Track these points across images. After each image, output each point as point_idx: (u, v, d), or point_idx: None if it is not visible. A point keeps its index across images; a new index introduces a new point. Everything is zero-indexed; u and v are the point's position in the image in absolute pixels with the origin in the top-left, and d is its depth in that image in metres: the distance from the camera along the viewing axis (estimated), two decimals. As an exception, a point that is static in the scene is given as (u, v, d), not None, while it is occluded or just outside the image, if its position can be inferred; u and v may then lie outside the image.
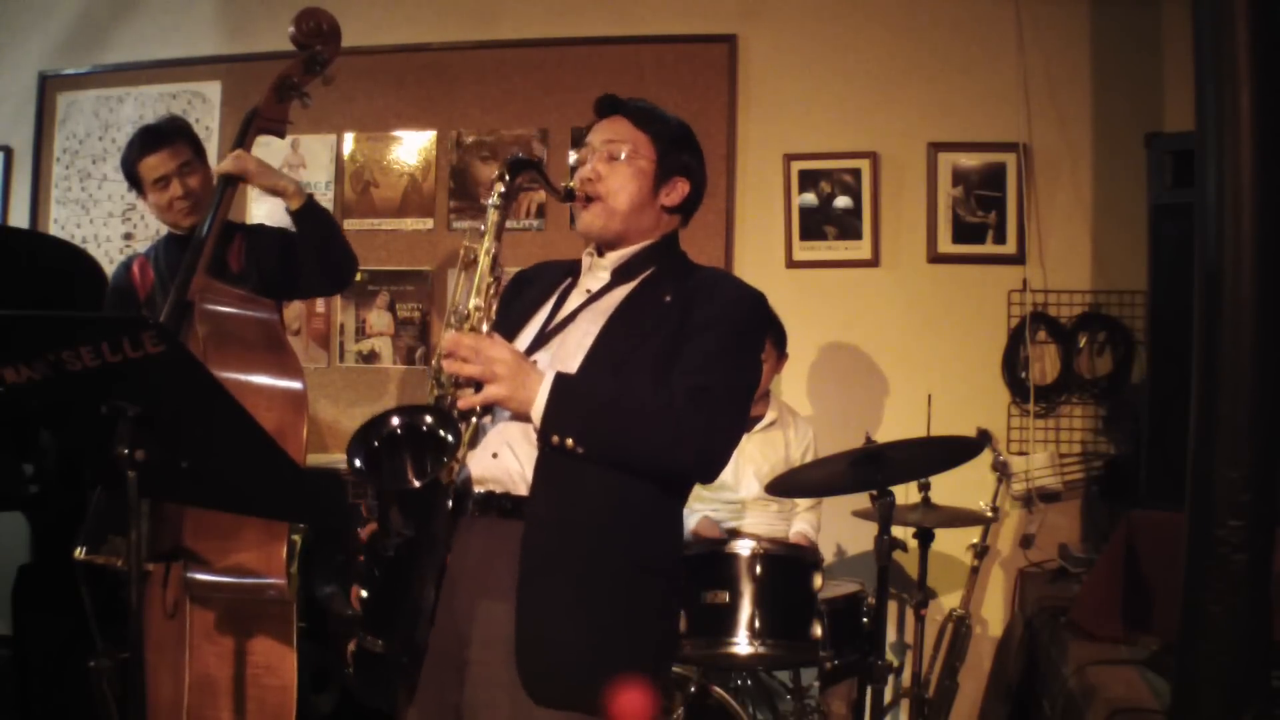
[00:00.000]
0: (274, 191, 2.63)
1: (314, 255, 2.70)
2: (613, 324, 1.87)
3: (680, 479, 1.90)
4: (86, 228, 4.42)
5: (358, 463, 1.72)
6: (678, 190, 1.99)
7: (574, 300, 1.97)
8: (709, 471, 1.87)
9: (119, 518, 1.94)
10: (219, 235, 2.58)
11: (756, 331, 1.97)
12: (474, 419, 1.78)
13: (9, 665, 3.53)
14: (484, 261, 1.84)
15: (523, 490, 1.78)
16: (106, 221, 4.42)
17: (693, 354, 1.82)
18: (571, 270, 2.04)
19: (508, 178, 1.87)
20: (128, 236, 4.38)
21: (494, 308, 1.84)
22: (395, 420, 1.76)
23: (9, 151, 4.52)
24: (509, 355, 1.76)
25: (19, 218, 4.48)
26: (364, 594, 1.79)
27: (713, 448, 1.83)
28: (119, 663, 2.14)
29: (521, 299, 2.03)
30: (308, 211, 2.65)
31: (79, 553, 2.37)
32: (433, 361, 1.82)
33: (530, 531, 1.76)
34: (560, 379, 1.76)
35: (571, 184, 1.95)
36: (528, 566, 1.75)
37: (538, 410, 1.74)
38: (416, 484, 1.74)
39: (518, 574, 1.75)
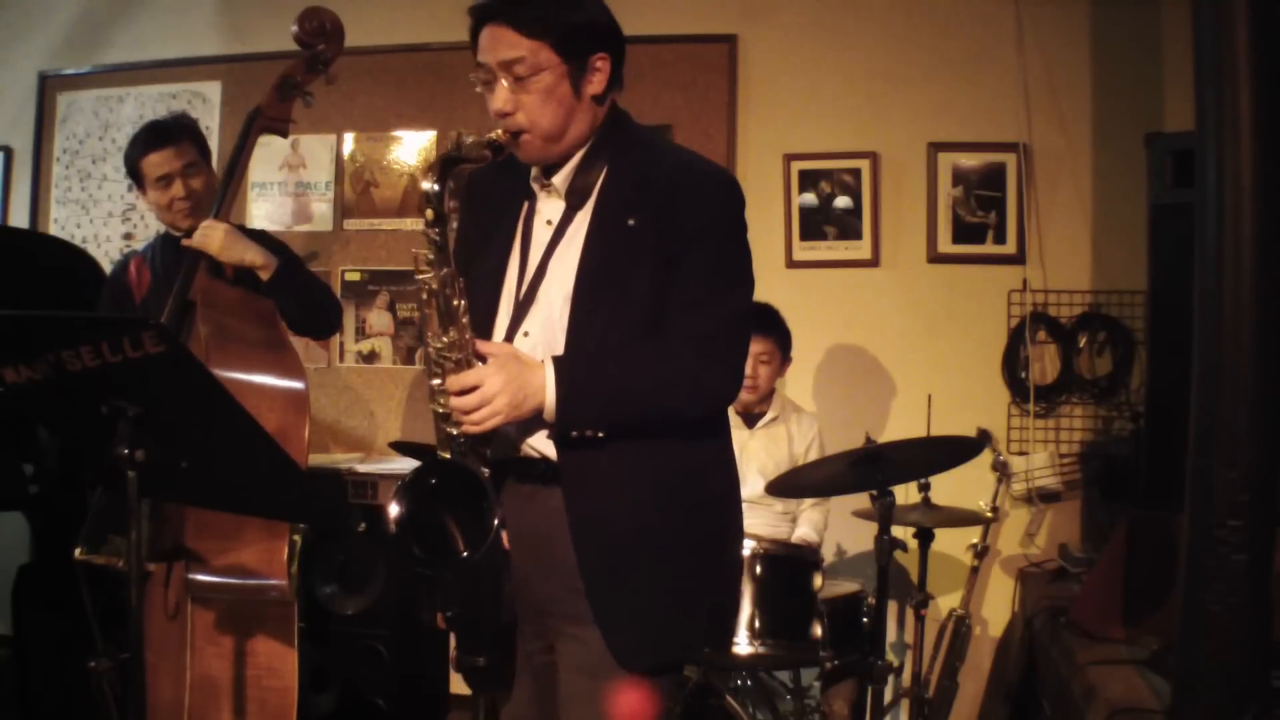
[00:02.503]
0: (240, 265, 2.56)
1: (294, 315, 2.67)
2: (585, 275, 1.77)
3: (704, 419, 1.88)
4: (86, 228, 4.42)
5: (419, 554, 1.71)
6: (600, 72, 1.79)
7: (539, 237, 1.85)
8: (730, 403, 1.91)
9: (119, 518, 1.94)
10: None
11: (735, 224, 1.83)
12: (491, 440, 1.80)
13: (9, 665, 3.53)
14: (443, 292, 1.74)
15: (552, 458, 1.80)
16: (106, 221, 4.41)
17: (682, 291, 1.76)
18: (524, 188, 1.89)
19: (436, 187, 1.72)
20: (128, 236, 4.38)
21: (469, 332, 1.76)
22: (424, 491, 1.74)
23: (9, 151, 4.51)
24: (499, 375, 1.70)
25: (19, 218, 4.48)
26: (450, 620, 1.82)
27: (730, 384, 1.84)
28: (119, 663, 2.14)
29: (480, 224, 1.91)
30: (280, 281, 2.60)
31: (79, 553, 2.37)
32: (435, 389, 1.78)
33: (574, 508, 1.77)
34: (563, 373, 1.71)
35: (492, 135, 1.76)
36: (585, 546, 1.76)
37: (550, 410, 1.72)
38: (466, 555, 1.71)
39: (569, 540, 1.77)
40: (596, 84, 1.80)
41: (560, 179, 1.84)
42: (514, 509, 1.80)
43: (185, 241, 2.58)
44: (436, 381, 1.76)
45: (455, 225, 1.85)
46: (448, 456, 1.79)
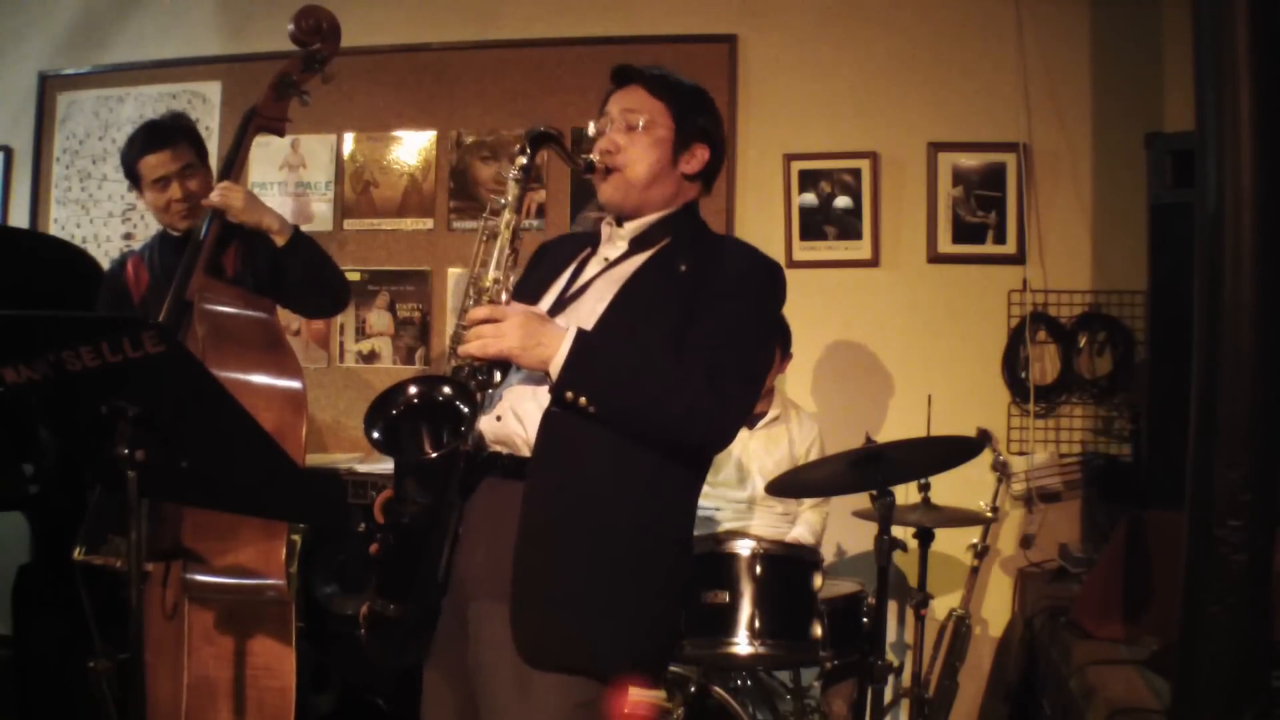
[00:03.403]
0: (258, 227, 2.57)
1: (301, 287, 2.66)
2: (626, 292, 1.88)
3: (687, 451, 1.89)
4: (86, 228, 4.42)
5: (376, 435, 1.72)
6: (697, 157, 1.98)
7: (592, 269, 1.98)
8: (716, 448, 1.94)
9: (118, 518, 1.94)
10: (218, 237, 2.57)
11: (771, 303, 1.97)
12: (492, 383, 1.80)
13: (9, 665, 3.53)
14: (504, 234, 1.85)
15: (525, 452, 1.81)
16: (106, 221, 4.41)
17: (708, 328, 1.83)
18: (593, 241, 2.04)
19: (529, 151, 1.88)
20: (128, 236, 4.38)
21: (511, 280, 1.86)
22: (412, 390, 1.76)
23: (9, 151, 4.52)
24: (519, 315, 1.77)
25: (19, 218, 4.48)
26: (379, 559, 1.79)
27: (724, 426, 1.85)
28: (118, 663, 2.13)
29: (541, 269, 2.06)
30: (293, 247, 2.60)
31: (78, 553, 2.36)
32: (451, 331, 1.87)
33: (532, 492, 1.77)
34: (582, 336, 1.76)
35: (591, 156, 1.93)
36: (527, 527, 1.76)
37: (557, 365, 1.74)
38: (433, 455, 1.75)
39: (517, 535, 1.76)
40: (691, 165, 1.98)
41: (631, 227, 1.97)
42: (475, 499, 1.83)
43: (205, 201, 2.58)
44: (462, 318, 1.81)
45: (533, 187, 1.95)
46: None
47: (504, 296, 1.83)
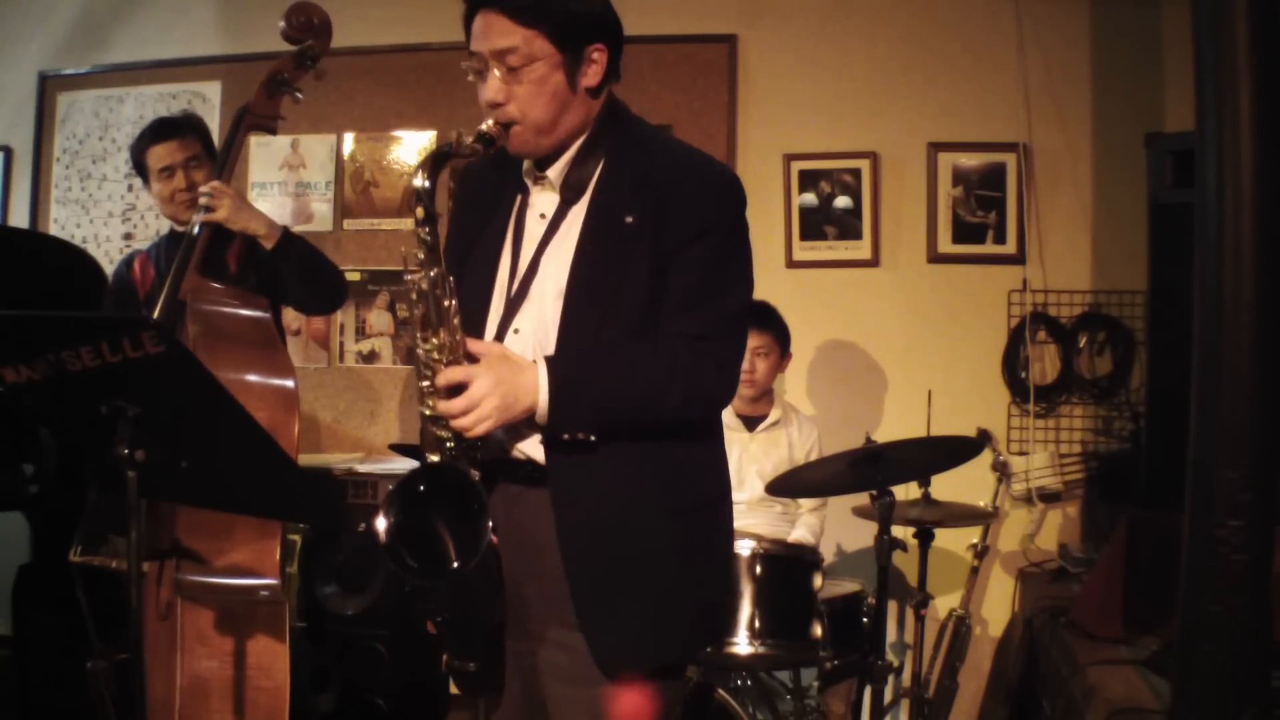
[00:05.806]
0: (245, 231, 2.57)
1: (298, 287, 2.66)
2: (578, 276, 1.73)
3: (697, 423, 1.83)
4: (86, 228, 4.42)
5: (409, 562, 1.65)
6: (596, 63, 1.74)
7: (531, 231, 1.81)
8: (724, 406, 1.86)
9: (114, 518, 1.94)
10: (212, 236, 2.57)
11: (735, 227, 1.78)
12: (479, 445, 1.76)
13: (9, 665, 3.53)
14: (435, 291, 1.68)
15: (540, 461, 1.77)
16: (106, 221, 4.41)
17: (677, 291, 1.72)
18: (518, 181, 1.84)
19: (429, 182, 1.66)
20: (128, 236, 4.38)
21: (459, 333, 1.71)
22: (414, 492, 1.70)
23: (9, 151, 4.51)
24: (488, 374, 1.66)
25: (19, 218, 4.48)
26: (440, 625, 1.79)
27: (723, 388, 1.80)
28: (116, 663, 2.13)
29: (477, 230, 1.87)
30: (283, 250, 2.60)
31: (75, 554, 2.36)
32: (425, 390, 1.73)
33: (562, 521, 1.74)
34: (556, 371, 1.68)
35: (483, 127, 1.70)
36: (571, 559, 1.73)
37: (542, 413, 1.68)
38: (458, 565, 1.66)
39: (557, 544, 1.74)
40: (592, 76, 1.74)
41: (554, 172, 1.79)
42: (501, 510, 1.77)
43: (196, 217, 2.56)
44: (426, 384, 1.71)
45: (447, 222, 1.84)
46: (436, 460, 1.74)
47: (460, 352, 1.69)
